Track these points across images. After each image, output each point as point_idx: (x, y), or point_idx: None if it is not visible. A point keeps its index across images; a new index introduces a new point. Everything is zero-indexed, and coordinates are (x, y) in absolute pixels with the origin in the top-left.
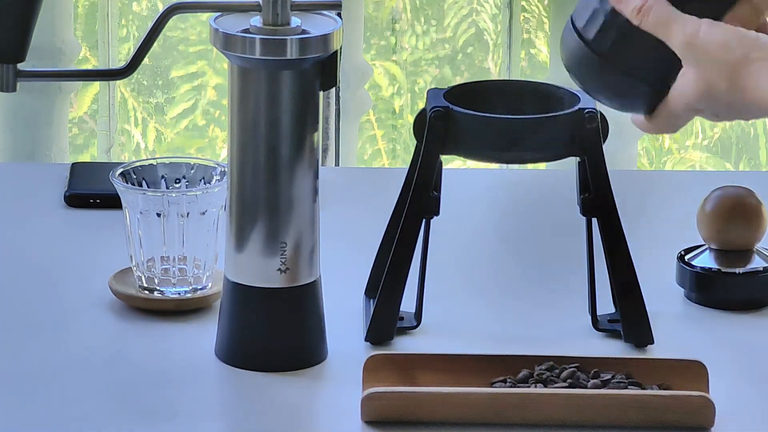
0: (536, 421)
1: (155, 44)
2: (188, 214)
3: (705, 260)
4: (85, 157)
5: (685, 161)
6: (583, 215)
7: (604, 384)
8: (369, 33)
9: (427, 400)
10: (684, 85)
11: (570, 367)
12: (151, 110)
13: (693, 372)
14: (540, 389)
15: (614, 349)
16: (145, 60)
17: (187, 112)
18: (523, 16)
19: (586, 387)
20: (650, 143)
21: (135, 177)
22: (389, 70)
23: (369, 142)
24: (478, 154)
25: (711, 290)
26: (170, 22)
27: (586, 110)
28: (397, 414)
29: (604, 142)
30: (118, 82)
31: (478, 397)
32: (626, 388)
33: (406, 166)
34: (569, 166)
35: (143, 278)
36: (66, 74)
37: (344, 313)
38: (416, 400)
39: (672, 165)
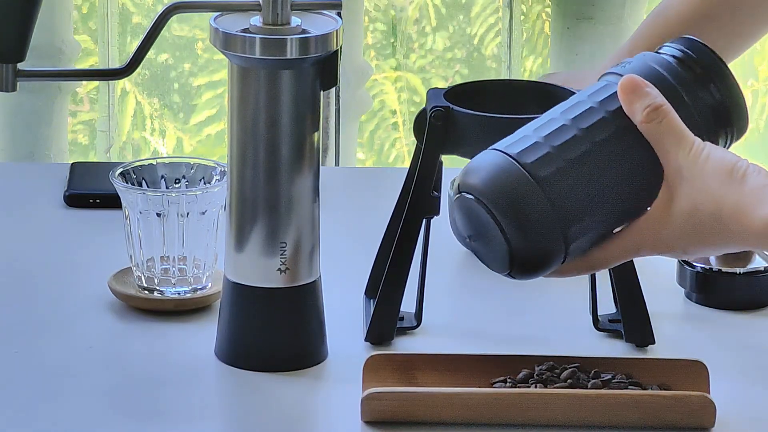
0: (536, 421)
1: (171, 48)
2: (188, 214)
3: (705, 260)
4: (92, 157)
5: None
6: None
7: (605, 384)
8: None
9: (427, 400)
10: (659, 210)
11: (570, 367)
12: (169, 117)
13: (693, 372)
14: (540, 389)
15: (615, 349)
16: (160, 62)
17: (210, 119)
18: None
19: (586, 387)
20: None
21: (135, 177)
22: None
23: (394, 144)
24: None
25: (711, 290)
26: (176, 21)
27: None
28: (397, 414)
29: None
30: (135, 88)
31: (478, 397)
32: (626, 388)
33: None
34: None
35: (143, 278)
36: (66, 74)
37: (344, 313)
38: (416, 400)
39: None
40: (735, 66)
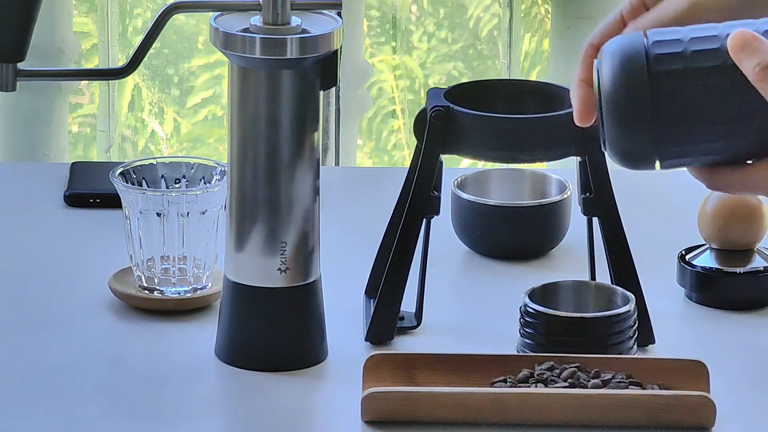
0: (536, 421)
1: (171, 35)
2: (188, 213)
3: (706, 260)
4: (93, 151)
5: None
6: (584, 215)
7: (605, 384)
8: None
9: (427, 400)
10: None
11: (570, 367)
12: (167, 100)
13: (693, 372)
14: (540, 389)
15: None
16: (162, 51)
17: (207, 101)
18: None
19: (586, 387)
20: None
21: (135, 176)
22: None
23: (392, 133)
24: (479, 153)
25: (712, 290)
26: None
27: None
28: (397, 414)
29: None
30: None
31: (478, 397)
32: (626, 387)
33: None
34: (570, 165)
35: (143, 278)
36: (66, 74)
37: (344, 313)
38: (416, 400)
39: None
40: None
